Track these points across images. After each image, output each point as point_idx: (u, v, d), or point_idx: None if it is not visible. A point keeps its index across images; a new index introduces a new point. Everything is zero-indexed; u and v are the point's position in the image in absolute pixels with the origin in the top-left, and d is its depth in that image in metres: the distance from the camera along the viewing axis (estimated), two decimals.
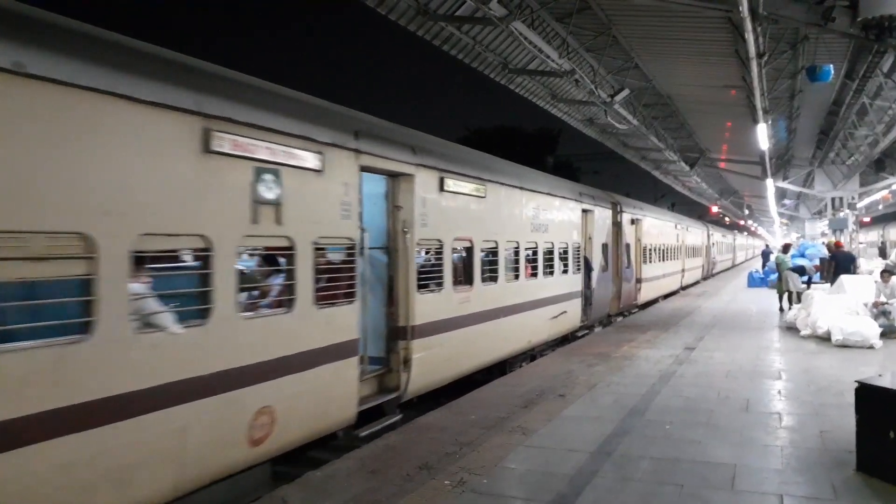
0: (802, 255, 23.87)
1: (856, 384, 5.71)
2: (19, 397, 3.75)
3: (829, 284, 16.55)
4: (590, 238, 14.92)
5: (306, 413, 5.97)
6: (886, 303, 12.94)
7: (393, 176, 7.65)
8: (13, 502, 3.73)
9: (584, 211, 14.49)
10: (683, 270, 28.19)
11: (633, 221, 18.94)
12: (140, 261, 4.57)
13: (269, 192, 5.49)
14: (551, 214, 12.36)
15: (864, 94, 17.02)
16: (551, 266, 12.26)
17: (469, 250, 9.29)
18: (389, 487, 5.29)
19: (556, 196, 12.74)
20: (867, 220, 42.53)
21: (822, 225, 33.50)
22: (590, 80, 15.42)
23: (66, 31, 4.38)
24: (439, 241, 8.39)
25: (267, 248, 6.06)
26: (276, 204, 5.58)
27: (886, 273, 14.33)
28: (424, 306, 7.92)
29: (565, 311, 12.91)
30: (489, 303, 9.69)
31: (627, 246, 18.24)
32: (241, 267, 5.58)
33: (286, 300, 5.86)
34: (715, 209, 53.41)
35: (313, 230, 6.05)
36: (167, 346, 4.67)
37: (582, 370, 9.97)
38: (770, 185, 28.37)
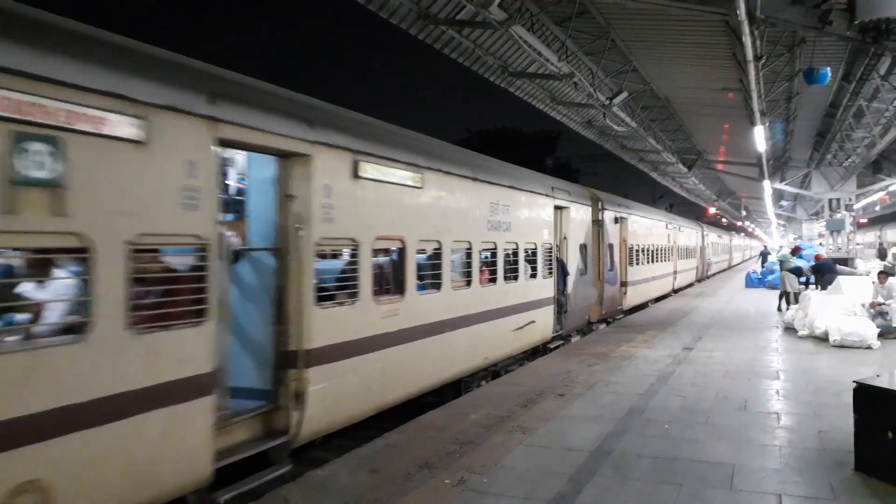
0: (800, 257, 23.95)
1: (854, 384, 5.74)
2: None
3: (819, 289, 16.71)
4: (565, 238, 13.47)
5: (112, 483, 4.31)
6: (883, 304, 13.00)
7: (284, 156, 6.02)
8: None
9: (558, 208, 13.03)
10: (675, 272, 26.93)
11: (616, 220, 17.58)
12: None
13: (38, 168, 3.92)
14: (515, 211, 10.76)
15: (861, 97, 17.10)
16: (515, 270, 10.77)
17: (400, 252, 7.65)
18: (390, 486, 5.32)
19: (520, 190, 11.13)
20: (864, 221, 42.66)
21: (820, 226, 33.60)
22: (589, 82, 15.47)
23: None
24: (353, 241, 6.78)
25: (39, 250, 4.31)
26: (53, 186, 3.98)
27: (883, 274, 14.42)
28: (327, 324, 6.27)
29: (533, 321, 11.38)
30: (429, 315, 8.10)
31: (611, 247, 16.90)
32: None
33: (76, 324, 4.24)
34: (712, 210, 53.52)
35: (127, 225, 4.41)
36: None
37: (581, 370, 10.01)
38: (767, 186, 28.45)
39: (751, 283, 28.03)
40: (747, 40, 10.37)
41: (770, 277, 25.56)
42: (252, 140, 5.56)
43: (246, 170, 6.58)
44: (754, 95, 13.84)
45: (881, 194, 30.91)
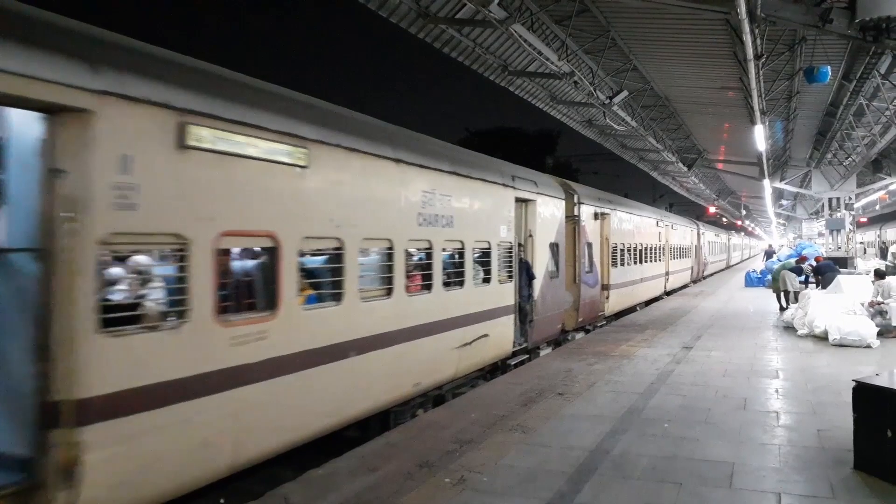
0: (798, 255, 23.96)
1: (853, 383, 5.75)
2: None
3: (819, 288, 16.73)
4: (530, 235, 11.74)
5: None
6: (882, 303, 13.01)
7: (51, 112, 4.21)
8: None
9: (522, 200, 11.30)
10: (667, 273, 25.26)
11: (597, 216, 15.91)
12: None
13: None
14: (460, 202, 9.00)
15: (862, 96, 17.09)
16: (460, 274, 8.99)
17: (271, 254, 5.73)
18: (390, 485, 5.32)
19: (468, 177, 9.30)
20: (864, 220, 42.68)
21: (820, 225, 33.60)
22: (589, 81, 15.47)
23: None
24: (179, 237, 4.88)
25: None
26: None
27: (878, 273, 14.46)
28: (123, 359, 4.43)
29: (486, 335, 9.59)
30: (322, 336, 6.24)
31: (589, 245, 15.20)
32: None
33: None
34: (712, 209, 53.53)
35: None
36: None
37: (581, 369, 10.01)
38: (767, 185, 28.46)
39: (750, 282, 28.03)
40: (748, 39, 10.36)
41: (768, 277, 25.58)
42: None
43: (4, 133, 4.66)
44: (754, 94, 13.83)
45: (881, 193, 30.91)
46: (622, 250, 18.25)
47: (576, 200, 14.39)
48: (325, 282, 6.60)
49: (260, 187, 5.62)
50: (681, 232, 28.93)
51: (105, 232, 4.35)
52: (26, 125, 4.36)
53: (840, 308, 12.70)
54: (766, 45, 12.25)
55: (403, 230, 7.66)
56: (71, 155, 4.20)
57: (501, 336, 10.36)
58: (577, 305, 14.21)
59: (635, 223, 20.20)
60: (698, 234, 34.04)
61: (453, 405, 8.10)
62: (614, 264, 17.32)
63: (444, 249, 8.62)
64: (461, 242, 9.03)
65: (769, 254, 35.59)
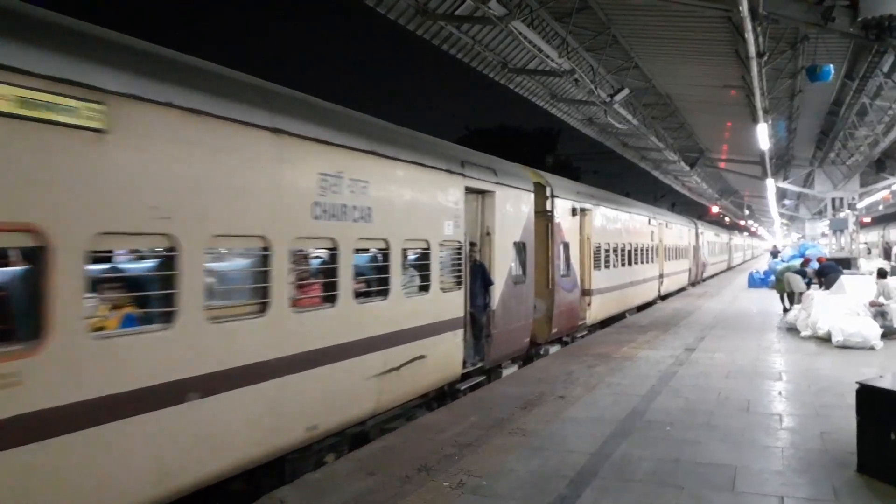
0: (802, 255, 23.88)
1: (857, 385, 5.69)
2: None
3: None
4: (488, 233, 9.96)
5: None
6: (882, 304, 12.93)
7: None
8: None
9: (475, 191, 9.64)
10: (661, 276, 23.44)
11: (575, 212, 14.07)
12: None
13: None
14: (382, 191, 7.18)
15: (865, 94, 17.01)
16: (383, 281, 7.20)
17: (31, 259, 4.06)
18: (388, 489, 5.26)
19: (393, 159, 7.44)
20: (867, 220, 42.59)
21: (823, 225, 33.50)
22: (589, 79, 15.40)
23: None
24: None
25: None
26: None
27: (880, 273, 14.39)
28: None
29: (422, 356, 7.82)
30: (123, 378, 4.35)
31: (566, 245, 13.43)
32: None
33: None
34: (715, 209, 53.42)
35: None
36: None
37: (582, 371, 9.94)
38: (770, 185, 28.36)
39: (753, 282, 27.98)
40: (750, 37, 10.29)
41: (771, 278, 25.49)
42: None
43: None
44: (757, 93, 13.76)
45: (884, 193, 30.77)
46: (607, 251, 16.56)
47: (548, 193, 12.59)
48: (143, 297, 4.86)
49: (9, 159, 3.82)
50: (677, 231, 27.30)
51: None
52: None
53: (843, 309, 12.63)
54: (769, 44, 12.17)
55: (287, 224, 5.76)
56: None
57: (446, 356, 8.53)
58: (551, 314, 12.35)
59: (623, 221, 18.52)
60: (697, 234, 32.49)
61: (452, 408, 8.04)
62: (597, 266, 15.62)
63: (357, 250, 6.82)
64: (384, 242, 7.22)
65: (774, 253, 35.57)
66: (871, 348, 11.46)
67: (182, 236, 4.79)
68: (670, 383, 9.04)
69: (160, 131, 4.74)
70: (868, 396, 5.56)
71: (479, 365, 9.59)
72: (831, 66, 12.10)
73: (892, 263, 23.40)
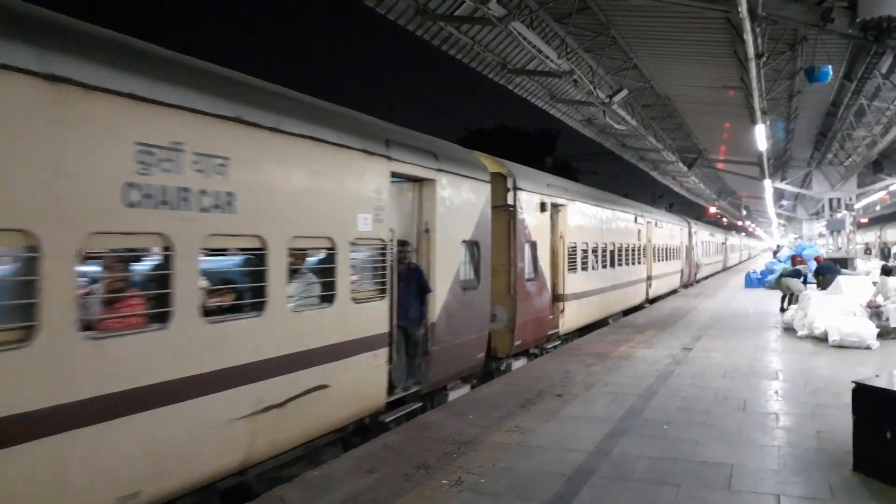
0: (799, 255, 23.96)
1: (853, 385, 5.72)
2: None
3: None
4: (427, 230, 8.28)
5: None
6: (879, 305, 12.98)
7: None
8: None
9: (410, 179, 8.11)
10: (650, 278, 22.05)
11: (545, 207, 12.40)
12: None
13: None
14: (256, 173, 5.52)
15: (863, 95, 17.06)
16: (259, 292, 5.51)
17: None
18: (387, 487, 5.28)
19: (272, 131, 5.66)
20: (865, 221, 42.72)
21: (820, 226, 33.62)
22: (588, 80, 15.44)
23: None
24: None
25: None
26: None
27: (884, 270, 14.46)
28: None
29: (324, 385, 6.14)
30: None
31: (533, 245, 11.82)
32: None
33: None
34: (713, 209, 53.50)
35: None
36: None
37: (580, 370, 9.97)
38: (768, 185, 28.45)
39: (750, 282, 28.03)
40: (749, 38, 10.33)
41: (769, 277, 25.56)
42: None
43: None
44: (755, 93, 13.81)
45: (882, 194, 30.90)
46: (585, 251, 14.94)
47: (510, 185, 10.90)
48: None
49: None
50: (667, 230, 25.75)
51: None
52: None
53: (840, 309, 12.68)
54: (767, 45, 12.23)
55: (77, 214, 4.10)
56: None
57: (360, 383, 6.80)
58: (513, 324, 10.77)
59: (605, 218, 16.81)
60: (690, 233, 30.95)
61: (451, 407, 8.06)
62: (573, 268, 14.03)
63: (210, 252, 5.26)
64: (259, 240, 5.46)
65: (776, 252, 35.82)
66: (868, 348, 11.50)
67: None
68: (667, 382, 9.07)
69: None
70: (864, 396, 5.59)
71: (416, 389, 7.99)
72: (829, 66, 12.16)
73: (893, 264, 23.46)
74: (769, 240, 70.08)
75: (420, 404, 8.13)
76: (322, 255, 6.51)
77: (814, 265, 19.06)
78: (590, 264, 15.30)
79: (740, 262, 60.49)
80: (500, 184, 10.71)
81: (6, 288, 3.94)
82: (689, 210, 54.30)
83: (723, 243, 47.97)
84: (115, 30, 4.82)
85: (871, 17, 9.08)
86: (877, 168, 25.42)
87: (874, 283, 14.28)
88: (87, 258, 4.34)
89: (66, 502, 4.03)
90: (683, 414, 7.41)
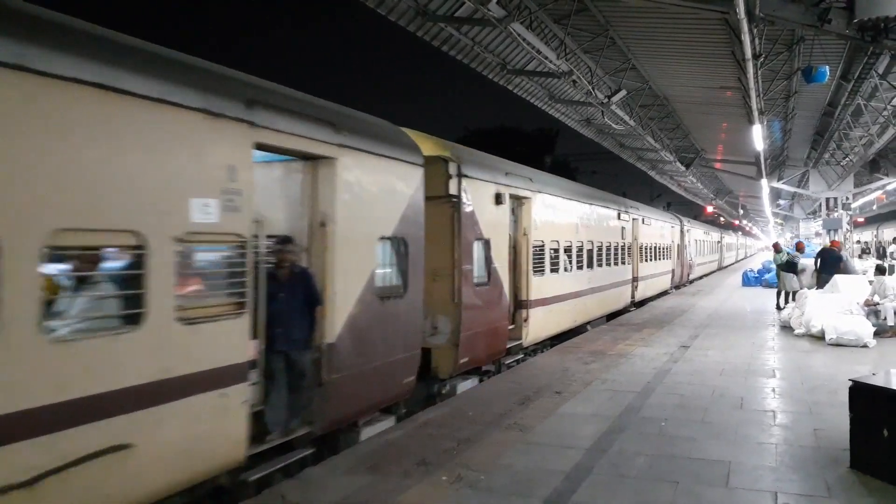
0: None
1: (849, 383, 5.77)
2: None
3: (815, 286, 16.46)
4: (323, 224, 6.41)
5: None
6: (876, 303, 13.05)
7: None
8: None
9: (297, 156, 6.35)
10: (636, 280, 20.34)
11: (502, 198, 10.41)
12: None
13: None
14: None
15: (860, 96, 17.13)
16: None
17: None
18: (388, 483, 5.32)
19: (18, 69, 3.70)
20: (861, 220, 42.85)
21: (817, 225, 33.70)
22: (587, 80, 15.48)
23: None
24: None
25: None
26: None
27: (879, 269, 14.49)
28: None
29: (123, 445, 4.26)
30: None
31: (486, 244, 9.99)
32: None
33: None
34: (710, 209, 53.60)
35: None
36: None
37: (578, 368, 10.02)
38: (765, 185, 28.54)
39: (747, 281, 28.10)
40: (746, 38, 10.37)
41: (767, 276, 25.63)
42: None
43: None
44: (753, 94, 13.85)
45: (878, 193, 31.01)
46: (556, 250, 13.02)
47: (452, 171, 9.08)
48: None
49: None
50: (657, 228, 23.80)
51: None
52: None
53: (837, 308, 12.74)
54: (765, 45, 12.27)
55: None
56: None
57: (193, 437, 4.86)
58: (457, 338, 9.00)
59: (581, 214, 14.88)
60: (682, 232, 29.05)
61: (451, 404, 8.11)
62: (540, 270, 12.13)
63: None
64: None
65: (777, 249, 35.79)
66: (864, 346, 11.56)
67: None
68: (665, 380, 9.12)
69: None
70: (861, 393, 5.63)
71: (304, 431, 6.16)
72: (826, 67, 12.22)
73: (889, 262, 23.54)
74: (766, 239, 70.06)
75: (312, 450, 6.21)
76: (124, 256, 4.56)
77: (811, 254, 18.91)
78: (561, 265, 13.35)
79: (737, 262, 59.98)
80: (439, 169, 8.87)
81: None
82: (687, 209, 54.46)
83: (718, 242, 46.76)
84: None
85: (868, 18, 9.11)
86: (874, 167, 25.55)
87: (870, 283, 14.34)
88: None
89: None
90: (681, 411, 7.46)
